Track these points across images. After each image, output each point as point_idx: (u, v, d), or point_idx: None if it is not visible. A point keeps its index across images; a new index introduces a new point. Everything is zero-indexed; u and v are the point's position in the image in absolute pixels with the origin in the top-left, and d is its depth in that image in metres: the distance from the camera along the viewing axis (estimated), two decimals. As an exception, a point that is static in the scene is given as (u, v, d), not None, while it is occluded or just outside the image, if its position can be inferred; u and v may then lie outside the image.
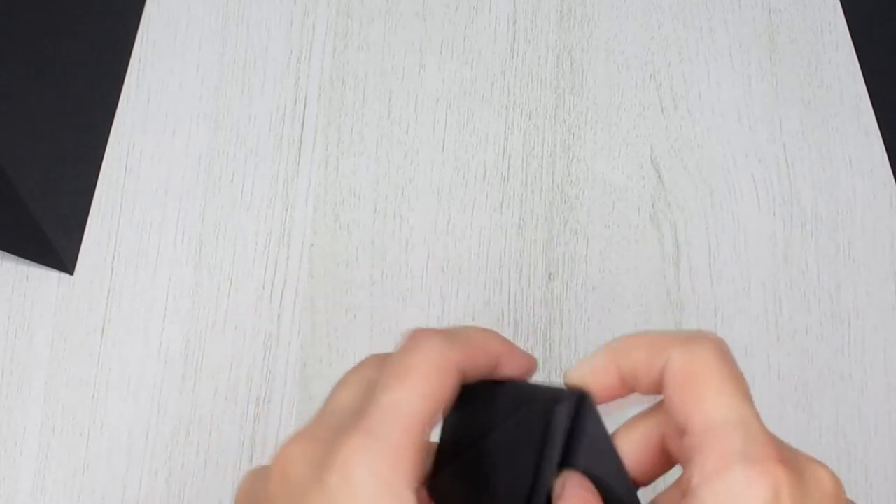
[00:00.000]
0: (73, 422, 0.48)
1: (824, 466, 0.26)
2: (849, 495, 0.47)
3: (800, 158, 0.53)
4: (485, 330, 0.31)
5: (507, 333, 0.46)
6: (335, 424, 0.28)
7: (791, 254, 0.51)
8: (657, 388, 0.28)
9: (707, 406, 0.26)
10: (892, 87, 0.54)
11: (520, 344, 0.41)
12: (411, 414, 0.27)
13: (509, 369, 0.31)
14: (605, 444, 0.29)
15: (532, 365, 0.32)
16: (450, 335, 0.30)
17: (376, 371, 0.29)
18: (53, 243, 0.48)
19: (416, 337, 0.29)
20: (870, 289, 0.50)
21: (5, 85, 0.44)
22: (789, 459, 0.25)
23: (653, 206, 0.52)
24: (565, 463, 0.29)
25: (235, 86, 0.54)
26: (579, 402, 0.29)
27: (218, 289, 0.50)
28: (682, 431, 0.26)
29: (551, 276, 0.50)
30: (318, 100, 0.54)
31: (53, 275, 0.50)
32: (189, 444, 0.47)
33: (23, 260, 0.50)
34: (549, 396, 0.29)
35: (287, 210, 0.51)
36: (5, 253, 0.50)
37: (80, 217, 0.51)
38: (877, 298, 0.50)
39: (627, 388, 0.29)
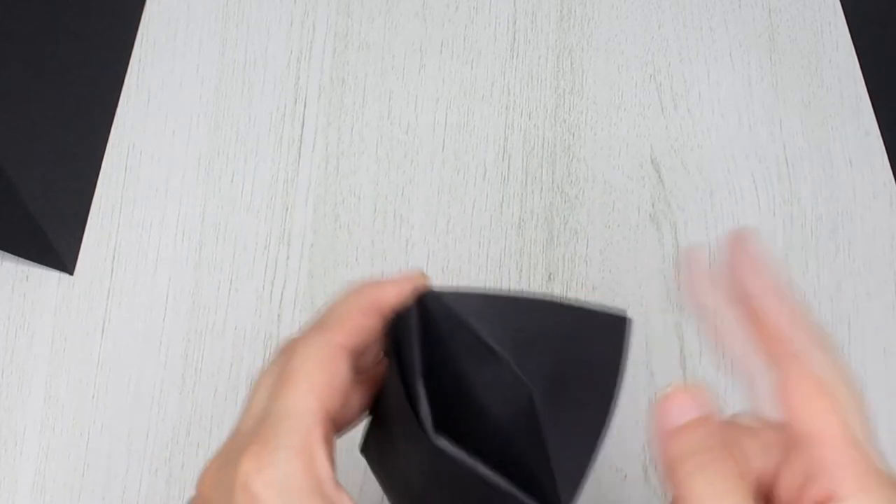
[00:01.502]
0: (73, 422, 0.48)
1: None
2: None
3: (800, 158, 0.53)
4: (350, 294, 0.31)
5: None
6: (242, 439, 0.28)
7: (791, 254, 0.51)
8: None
9: (840, 421, 0.26)
10: (892, 87, 0.54)
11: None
12: (305, 413, 0.27)
13: (397, 300, 0.31)
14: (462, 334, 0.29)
15: (413, 280, 0.31)
16: (319, 324, 0.30)
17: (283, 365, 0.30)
18: (53, 243, 0.48)
19: (292, 344, 0.29)
20: (870, 289, 0.50)
21: (5, 85, 0.44)
22: None
23: (653, 206, 0.52)
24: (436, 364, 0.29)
25: (235, 86, 0.54)
26: (422, 304, 0.30)
27: (218, 289, 0.50)
28: (794, 443, 0.26)
29: (551, 276, 0.50)
30: (318, 100, 0.54)
31: (53, 275, 0.50)
32: (189, 444, 0.47)
33: (23, 260, 0.50)
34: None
35: (287, 210, 0.51)
36: (5, 253, 0.50)
37: (80, 217, 0.51)
38: (877, 298, 0.50)
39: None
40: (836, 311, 0.50)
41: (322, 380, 0.28)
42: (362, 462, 0.32)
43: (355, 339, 0.30)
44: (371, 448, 0.32)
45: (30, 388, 0.48)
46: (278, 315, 0.50)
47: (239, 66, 0.54)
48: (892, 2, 0.54)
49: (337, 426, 0.29)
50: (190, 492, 0.47)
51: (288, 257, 0.51)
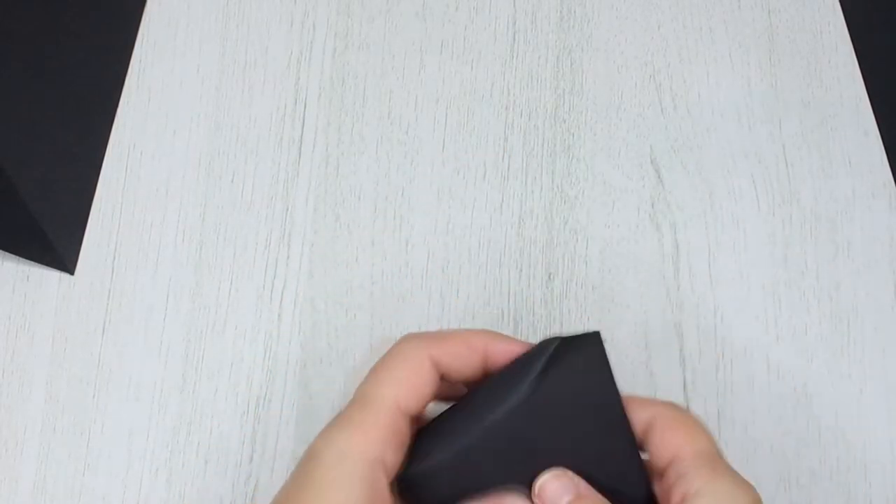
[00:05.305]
0: (73, 422, 0.48)
1: None
2: (848, 495, 0.47)
3: (799, 158, 0.53)
4: (474, 330, 0.36)
5: (507, 333, 0.47)
6: None
7: (791, 254, 0.51)
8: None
9: (698, 441, 0.33)
10: (892, 88, 0.54)
11: (520, 344, 0.41)
12: (383, 397, 0.32)
13: (501, 358, 0.36)
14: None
15: (524, 349, 0.37)
16: (430, 334, 0.35)
17: None
18: (54, 243, 0.48)
19: (400, 340, 0.35)
20: (870, 289, 0.50)
21: (5, 85, 0.44)
22: None
23: (652, 206, 0.52)
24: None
25: (235, 86, 0.54)
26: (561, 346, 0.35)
27: (218, 289, 0.50)
28: (664, 468, 0.33)
29: (551, 276, 0.50)
30: (318, 100, 0.54)
31: (54, 275, 0.50)
32: (189, 444, 0.47)
33: (23, 260, 0.50)
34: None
35: (287, 210, 0.52)
36: (5, 253, 0.50)
37: (81, 217, 0.51)
38: (877, 298, 0.50)
39: None
40: (835, 311, 0.50)
41: (407, 373, 0.33)
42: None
43: (451, 359, 0.34)
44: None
45: (30, 388, 0.48)
46: (278, 315, 0.50)
47: (239, 66, 0.54)
48: (892, 2, 0.54)
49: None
50: (190, 492, 0.48)
51: (288, 257, 0.51)
